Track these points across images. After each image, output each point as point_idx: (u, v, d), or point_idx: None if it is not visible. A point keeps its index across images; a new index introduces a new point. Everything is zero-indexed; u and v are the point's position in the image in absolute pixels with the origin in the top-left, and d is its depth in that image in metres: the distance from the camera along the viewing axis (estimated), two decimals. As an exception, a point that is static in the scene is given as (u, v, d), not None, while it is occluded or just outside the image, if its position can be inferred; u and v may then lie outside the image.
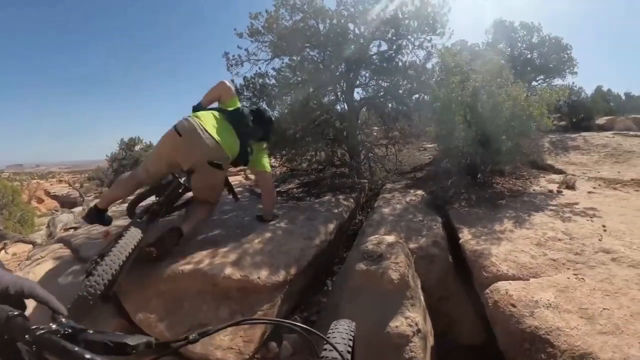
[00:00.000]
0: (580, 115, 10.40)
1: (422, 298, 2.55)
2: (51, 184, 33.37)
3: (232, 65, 5.94)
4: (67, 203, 21.61)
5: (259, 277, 2.57)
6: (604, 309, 2.11)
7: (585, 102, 10.84)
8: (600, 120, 11.59)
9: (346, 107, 6.06)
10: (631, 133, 8.63)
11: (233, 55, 5.93)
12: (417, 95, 5.49)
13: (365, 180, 5.46)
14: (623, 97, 17.88)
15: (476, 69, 4.42)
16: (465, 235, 3.15)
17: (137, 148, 19.70)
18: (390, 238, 2.72)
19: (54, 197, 25.32)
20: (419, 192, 4.34)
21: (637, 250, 2.72)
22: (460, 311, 2.87)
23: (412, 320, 2.19)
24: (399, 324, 2.16)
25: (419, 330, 2.16)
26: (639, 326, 1.97)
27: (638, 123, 12.07)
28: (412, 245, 3.03)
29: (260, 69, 5.96)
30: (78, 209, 9.40)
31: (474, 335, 2.79)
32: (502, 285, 2.42)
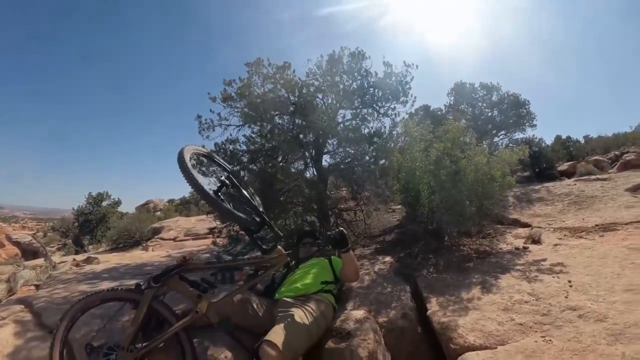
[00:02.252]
0: (542, 165, 10.88)
1: None
2: (14, 229, 31.84)
3: (204, 129, 6.05)
4: (28, 252, 20.73)
5: (225, 357, 2.55)
6: None
7: (546, 152, 11.44)
8: (563, 167, 12.18)
9: (315, 174, 6.19)
10: (592, 177, 9.01)
11: (205, 119, 6.06)
12: (383, 161, 5.68)
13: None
14: (582, 141, 18.83)
15: (439, 136, 4.65)
16: (433, 306, 3.17)
17: (104, 204, 19.45)
18: (358, 314, 2.74)
19: (16, 243, 24.14)
20: (388, 258, 4.36)
21: (603, 303, 2.80)
22: None
23: None
24: None
25: None
26: None
27: (598, 165, 12.71)
28: (381, 319, 3.02)
29: (231, 134, 6.09)
30: (40, 261, 9.09)
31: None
32: (469, 356, 2.45)
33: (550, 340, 2.49)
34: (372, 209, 6.28)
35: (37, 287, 4.45)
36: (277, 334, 2.33)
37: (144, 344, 2.32)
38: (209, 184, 2.87)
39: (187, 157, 2.56)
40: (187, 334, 2.41)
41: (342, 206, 6.37)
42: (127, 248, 11.69)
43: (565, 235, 5.00)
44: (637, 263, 3.44)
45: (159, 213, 21.95)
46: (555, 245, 4.51)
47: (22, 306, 3.46)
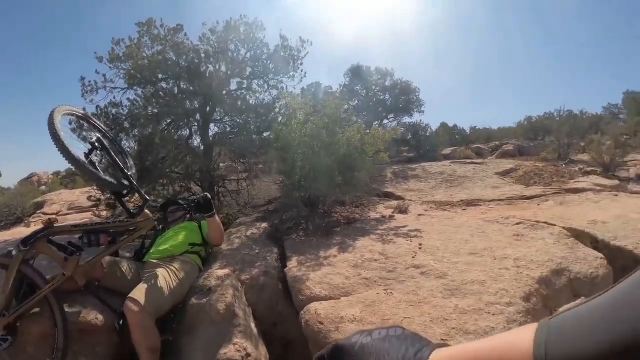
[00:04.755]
0: (426, 147, 11.79)
1: (253, 325, 2.71)
2: None
3: (87, 92, 5.69)
4: None
5: (96, 318, 2.56)
6: (406, 317, 2.41)
7: (431, 136, 12.45)
8: (446, 151, 13.31)
9: (200, 142, 6.17)
10: (468, 161, 9.93)
11: (89, 81, 5.70)
12: (268, 133, 5.80)
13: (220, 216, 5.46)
14: (468, 131, 20.59)
15: (319, 110, 4.86)
16: (292, 263, 3.38)
17: None
18: (220, 272, 2.89)
19: None
20: (264, 225, 4.53)
21: (447, 263, 3.11)
22: (294, 334, 3.02)
23: (240, 346, 2.34)
24: (228, 350, 2.29)
25: (248, 355, 2.31)
26: (437, 330, 2.28)
27: (479, 152, 14.08)
28: (244, 277, 3.17)
29: (115, 98, 5.79)
30: None
31: (307, 355, 3.01)
32: (313, 306, 2.67)
33: (391, 293, 2.75)
34: (254, 177, 6.38)
35: None
36: (140, 292, 2.45)
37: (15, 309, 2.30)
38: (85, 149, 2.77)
39: (57, 117, 2.49)
40: (57, 299, 2.40)
41: (226, 175, 6.38)
42: (8, 226, 10.60)
43: (431, 208, 5.48)
44: (487, 232, 3.85)
45: (44, 187, 19.96)
46: (420, 215, 4.92)
47: None
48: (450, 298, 2.62)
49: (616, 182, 6.67)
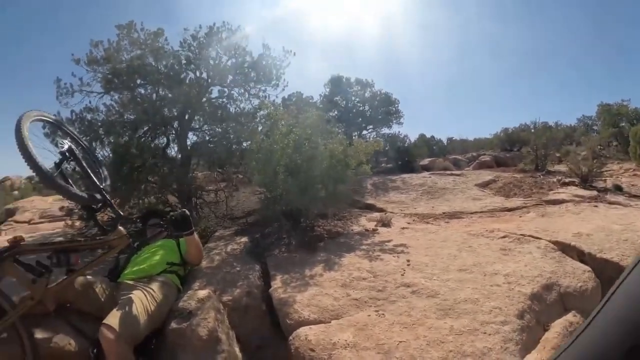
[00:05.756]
0: (405, 158, 11.86)
1: (237, 350, 2.58)
2: None
3: (62, 94, 5.45)
4: None
5: (69, 344, 2.36)
6: (401, 342, 2.30)
7: (409, 147, 12.55)
8: (424, 162, 13.42)
9: (178, 151, 6.00)
10: (447, 172, 10.02)
11: (65, 83, 5.46)
12: (248, 142, 5.66)
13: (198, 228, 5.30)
14: (445, 142, 20.94)
15: (301, 122, 4.76)
16: (277, 283, 3.22)
17: None
18: (201, 293, 2.72)
19: None
20: (244, 239, 4.36)
21: (437, 281, 3.03)
22: (279, 357, 2.84)
23: None
24: None
25: None
26: (435, 354, 2.18)
27: (456, 163, 14.25)
28: (225, 298, 3.02)
29: (91, 102, 5.58)
30: None
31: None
32: (302, 331, 2.52)
33: (383, 314, 2.64)
34: (234, 190, 6.21)
35: None
36: (114, 317, 2.25)
37: None
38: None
39: (25, 124, 2.33)
40: (24, 324, 2.22)
41: (204, 186, 6.20)
42: None
43: (414, 220, 5.44)
44: (474, 247, 3.81)
45: (16, 192, 19.20)
46: (403, 228, 4.85)
47: None
48: (444, 318, 2.55)
49: (594, 192, 6.76)
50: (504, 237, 4.03)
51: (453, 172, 10.38)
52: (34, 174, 2.33)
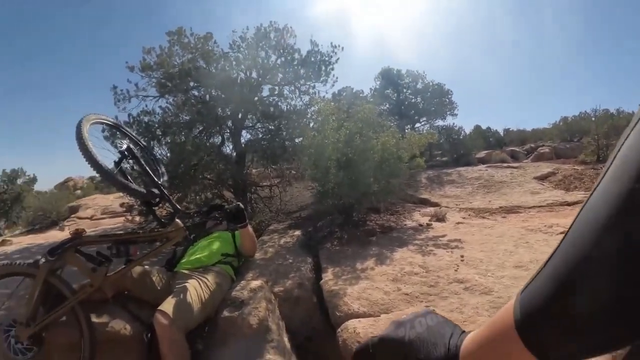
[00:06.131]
0: (460, 151, 11.51)
1: (286, 340, 2.60)
2: None
3: (119, 100, 5.77)
4: None
5: (125, 329, 2.53)
6: None
7: (464, 140, 12.12)
8: (480, 154, 12.95)
9: (233, 149, 6.15)
10: (504, 165, 9.63)
11: (121, 90, 5.77)
12: (300, 139, 5.73)
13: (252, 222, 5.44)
14: (502, 133, 20.13)
15: (352, 115, 4.76)
16: (328, 276, 3.25)
17: (19, 181, 17.88)
18: (253, 283, 2.79)
19: None
20: (297, 232, 4.42)
21: (491, 277, 2.91)
22: (327, 349, 2.91)
23: None
24: None
25: None
26: None
27: (514, 155, 13.66)
28: (277, 289, 3.07)
29: (147, 106, 5.86)
30: None
31: (342, 371, 2.88)
32: (351, 323, 2.52)
33: (433, 310, 2.61)
34: (288, 184, 6.33)
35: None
36: (169, 304, 2.37)
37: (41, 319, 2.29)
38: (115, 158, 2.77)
39: (85, 126, 2.46)
40: (84, 309, 2.35)
41: (258, 182, 6.35)
42: (43, 229, 10.97)
43: (469, 215, 5.28)
44: (531, 243, 3.62)
45: (79, 191, 20.61)
46: (458, 223, 4.72)
47: None
48: (496, 316, 2.45)
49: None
50: (562, 232, 3.82)
51: (510, 164, 9.97)
52: (95, 173, 2.49)
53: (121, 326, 2.46)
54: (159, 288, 2.77)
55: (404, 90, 12.67)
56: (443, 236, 4.12)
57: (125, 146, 2.76)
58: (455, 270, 3.12)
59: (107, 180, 2.50)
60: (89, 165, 2.34)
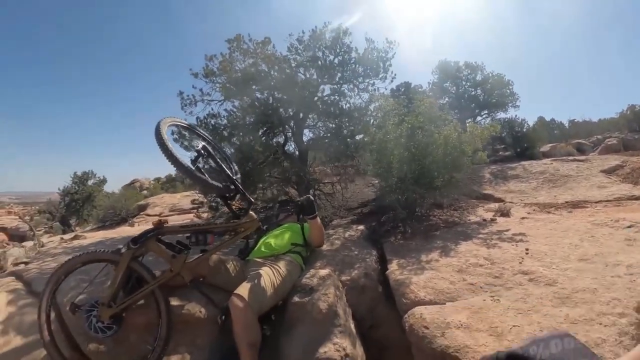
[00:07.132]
0: (523, 145, 11.06)
1: (352, 326, 2.73)
2: (-1, 215, 31.16)
3: (186, 105, 6.12)
4: (16, 236, 20.47)
5: (200, 312, 2.75)
6: (514, 326, 2.30)
7: (528, 133, 11.60)
8: (544, 148, 12.36)
9: (295, 148, 6.37)
10: (570, 158, 9.19)
11: (187, 95, 6.12)
12: (361, 136, 5.85)
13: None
14: (567, 125, 19.12)
15: (412, 110, 4.80)
16: (393, 266, 3.36)
17: (90, 182, 19.55)
18: (322, 272, 2.96)
19: (2, 229, 23.88)
20: (360, 227, 4.53)
21: (556, 270, 2.92)
22: (391, 337, 3.03)
23: (339, 346, 2.36)
24: (327, 349, 2.33)
25: (347, 355, 2.33)
26: None
27: (580, 148, 12.96)
28: (344, 278, 3.21)
29: (213, 109, 6.16)
30: (29, 244, 9.21)
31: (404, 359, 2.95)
32: (418, 310, 2.62)
33: (498, 299, 2.63)
34: (349, 181, 6.45)
35: (27, 264, 4.54)
36: (245, 288, 2.56)
37: (122, 301, 2.53)
38: (190, 156, 3.01)
39: (163, 128, 2.69)
40: (163, 292, 2.59)
41: (320, 179, 6.53)
42: (113, 226, 11.80)
43: (534, 210, 5.17)
44: (597, 237, 3.55)
45: (145, 192, 21.89)
46: (523, 218, 4.63)
47: (13, 277, 3.58)
48: (560, 307, 2.46)
49: None
50: (629, 226, 3.68)
51: (576, 157, 9.51)
52: (176, 170, 2.72)
53: (197, 309, 2.71)
54: (233, 275, 2.98)
55: (463, 83, 12.33)
56: (507, 230, 4.09)
57: (201, 145, 3.00)
58: (520, 263, 3.13)
59: (188, 176, 2.72)
60: (170, 163, 2.56)
